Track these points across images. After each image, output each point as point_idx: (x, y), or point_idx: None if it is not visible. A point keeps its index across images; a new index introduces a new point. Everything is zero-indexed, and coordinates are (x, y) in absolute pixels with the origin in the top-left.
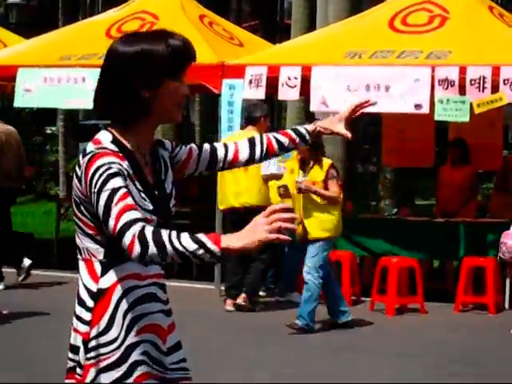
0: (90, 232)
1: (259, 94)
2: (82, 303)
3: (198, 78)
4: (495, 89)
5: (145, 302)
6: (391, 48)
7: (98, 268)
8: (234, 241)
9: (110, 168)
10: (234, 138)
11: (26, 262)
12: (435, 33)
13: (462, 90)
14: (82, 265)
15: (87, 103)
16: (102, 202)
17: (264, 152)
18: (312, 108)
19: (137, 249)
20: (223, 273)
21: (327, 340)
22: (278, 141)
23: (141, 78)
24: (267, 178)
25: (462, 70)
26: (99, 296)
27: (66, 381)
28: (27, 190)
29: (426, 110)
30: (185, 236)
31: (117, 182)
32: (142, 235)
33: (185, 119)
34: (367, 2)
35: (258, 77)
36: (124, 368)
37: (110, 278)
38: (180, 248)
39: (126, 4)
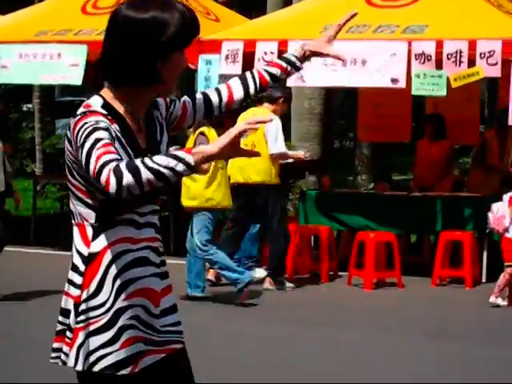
0: (82, 196)
1: (236, 69)
2: (74, 268)
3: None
4: (472, 63)
5: (136, 266)
6: (368, 22)
7: (89, 232)
8: (206, 146)
9: (96, 123)
10: (247, 115)
11: None
12: (412, 7)
13: (439, 65)
14: (75, 230)
15: (63, 78)
16: (84, 151)
17: (258, 86)
18: (288, 83)
19: (112, 181)
20: None
21: (305, 315)
22: (269, 73)
23: (156, 47)
24: (276, 157)
25: (439, 45)
26: (90, 260)
27: (55, 344)
28: None
29: (402, 84)
30: (156, 156)
31: (101, 133)
32: (116, 168)
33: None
34: None
35: (235, 52)
36: (112, 332)
37: (101, 242)
38: (152, 165)
39: None
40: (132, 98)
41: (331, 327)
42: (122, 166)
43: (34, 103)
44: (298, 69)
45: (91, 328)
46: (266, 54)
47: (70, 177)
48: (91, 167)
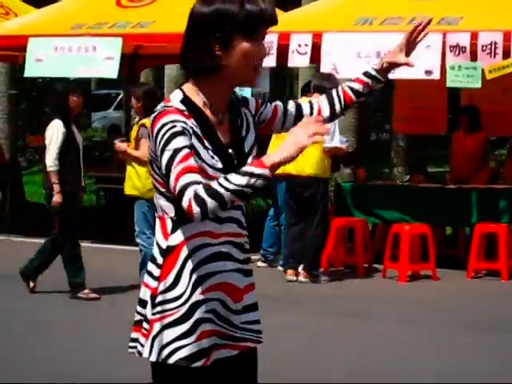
0: (162, 189)
1: (270, 61)
2: (153, 260)
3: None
4: (507, 54)
5: (215, 260)
6: (402, 14)
7: (169, 225)
8: (277, 156)
9: (173, 126)
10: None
11: None
12: None
13: (474, 56)
14: (157, 222)
15: (98, 72)
16: (164, 162)
17: (343, 104)
18: None
19: (196, 211)
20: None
21: (341, 307)
22: (352, 89)
23: (214, 35)
24: (329, 151)
25: (474, 36)
26: (168, 252)
27: (133, 334)
28: (39, 159)
29: (436, 75)
30: (231, 176)
31: (179, 141)
32: (196, 196)
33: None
34: None
35: (269, 44)
36: (188, 325)
37: (180, 235)
38: (233, 187)
39: None
40: (209, 90)
41: (367, 319)
42: (202, 192)
43: None
44: (379, 82)
45: (167, 320)
46: (300, 46)
47: (151, 171)
48: (171, 184)
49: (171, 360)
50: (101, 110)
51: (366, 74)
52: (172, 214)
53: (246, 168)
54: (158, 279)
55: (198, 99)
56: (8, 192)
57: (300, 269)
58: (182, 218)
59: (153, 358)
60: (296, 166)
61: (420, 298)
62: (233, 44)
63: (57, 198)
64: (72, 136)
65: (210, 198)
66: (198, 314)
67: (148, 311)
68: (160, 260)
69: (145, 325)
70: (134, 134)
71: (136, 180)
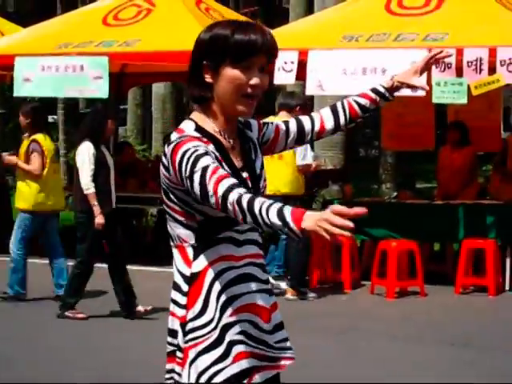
0: (181, 218)
1: None
2: (177, 288)
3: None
4: (492, 70)
5: (239, 282)
6: (388, 31)
7: (190, 253)
8: (313, 225)
9: (196, 150)
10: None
11: None
12: (432, 15)
13: (459, 72)
14: (175, 252)
15: (89, 92)
16: (196, 184)
17: (348, 118)
18: (307, 92)
19: (239, 215)
20: None
21: (329, 323)
22: (359, 104)
23: (205, 61)
24: (302, 169)
25: (459, 52)
26: (193, 280)
27: (167, 365)
28: None
29: (422, 92)
30: (272, 212)
31: (205, 160)
32: (239, 203)
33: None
34: None
35: None
36: (221, 349)
37: (203, 261)
38: (269, 224)
39: None
40: (216, 117)
41: (355, 336)
42: (244, 203)
43: (58, 115)
44: (387, 99)
45: (201, 347)
46: (285, 63)
47: (167, 200)
48: (212, 200)
49: None
50: None
51: (373, 90)
52: (192, 241)
53: (286, 212)
54: (185, 307)
55: (209, 127)
56: None
57: (285, 286)
58: (203, 244)
59: None
60: (271, 185)
61: (408, 315)
62: (221, 71)
63: (99, 220)
64: (103, 158)
65: (250, 215)
66: (229, 337)
67: (180, 340)
68: (185, 288)
69: (178, 354)
70: (23, 149)
71: (27, 194)
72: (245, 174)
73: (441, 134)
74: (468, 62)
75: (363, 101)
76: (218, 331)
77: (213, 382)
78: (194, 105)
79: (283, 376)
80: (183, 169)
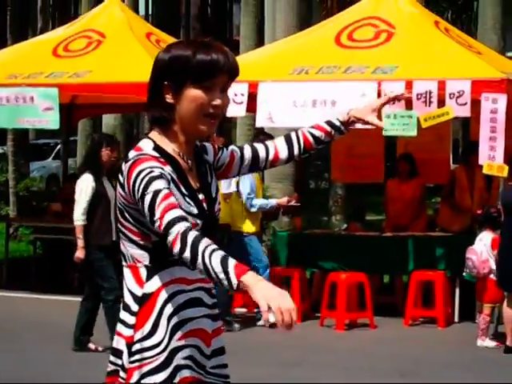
0: (136, 238)
1: None
2: (126, 308)
3: (145, 95)
4: (441, 103)
5: (190, 306)
6: (338, 63)
7: (143, 273)
8: (255, 284)
9: (151, 172)
10: None
11: None
12: (381, 48)
13: (409, 105)
14: (126, 271)
15: (40, 123)
16: (146, 205)
17: (302, 149)
18: (258, 124)
19: (177, 247)
20: None
21: (277, 356)
22: (313, 136)
23: (166, 82)
24: (226, 197)
25: (409, 85)
26: (144, 300)
27: None
28: None
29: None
30: (216, 256)
31: (159, 184)
32: (184, 236)
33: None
34: (316, 18)
35: None
36: (167, 372)
37: (156, 282)
38: (207, 265)
39: (73, 22)
40: (175, 138)
41: (304, 368)
42: (190, 239)
43: (7, 145)
44: (341, 133)
45: (146, 368)
46: (236, 95)
47: (122, 219)
48: (156, 224)
49: None
50: (39, 159)
51: (328, 123)
52: (146, 262)
53: (230, 262)
54: (133, 327)
55: (168, 147)
56: None
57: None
58: (157, 265)
59: None
60: None
61: (357, 347)
62: (183, 91)
63: (79, 254)
64: (102, 190)
65: (190, 251)
66: (176, 361)
67: (125, 360)
68: (135, 308)
69: (122, 374)
70: None
71: None
72: (201, 196)
73: (390, 167)
74: (417, 95)
75: (318, 133)
76: (165, 354)
77: None
78: (153, 126)
79: None
80: (136, 188)
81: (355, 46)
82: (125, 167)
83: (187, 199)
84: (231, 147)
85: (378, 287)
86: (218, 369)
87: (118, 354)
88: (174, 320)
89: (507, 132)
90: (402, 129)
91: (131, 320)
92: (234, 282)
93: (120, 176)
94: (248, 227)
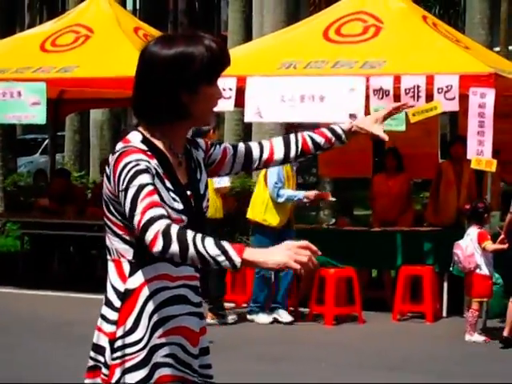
0: (120, 232)
1: None
2: (108, 303)
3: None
4: (430, 98)
5: (173, 303)
6: (326, 58)
7: (126, 268)
8: (256, 255)
9: (137, 165)
10: None
11: None
12: (369, 43)
13: (397, 99)
14: (110, 265)
15: (27, 118)
16: (128, 198)
17: (299, 152)
18: (246, 119)
19: (159, 244)
20: None
21: (266, 351)
22: (313, 141)
23: (180, 82)
24: (219, 191)
25: (397, 80)
26: (126, 296)
27: (87, 380)
28: None
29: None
30: (209, 240)
31: (144, 178)
32: (166, 232)
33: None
34: (304, 13)
35: None
36: (146, 370)
37: (138, 278)
38: (202, 251)
39: (60, 17)
40: (168, 132)
41: (293, 363)
42: (173, 233)
43: None
44: (342, 142)
45: (128, 364)
46: (224, 90)
47: (107, 212)
48: (136, 219)
49: None
50: (27, 154)
51: (330, 130)
52: (130, 257)
53: (225, 243)
54: (115, 323)
55: (157, 140)
56: None
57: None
58: (141, 261)
59: None
60: None
61: (346, 341)
62: (198, 89)
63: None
64: None
65: (178, 243)
66: (155, 359)
67: (107, 357)
68: (117, 304)
69: (104, 370)
70: None
71: None
72: (189, 192)
73: (378, 162)
74: (406, 90)
75: (319, 138)
76: (145, 351)
77: None
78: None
79: None
80: (121, 181)
81: (343, 41)
82: (111, 159)
83: (172, 194)
84: (224, 144)
85: (367, 282)
86: (204, 369)
87: (99, 350)
88: (156, 317)
89: (495, 126)
90: (390, 124)
91: (113, 316)
92: (237, 260)
93: (107, 168)
94: (275, 219)
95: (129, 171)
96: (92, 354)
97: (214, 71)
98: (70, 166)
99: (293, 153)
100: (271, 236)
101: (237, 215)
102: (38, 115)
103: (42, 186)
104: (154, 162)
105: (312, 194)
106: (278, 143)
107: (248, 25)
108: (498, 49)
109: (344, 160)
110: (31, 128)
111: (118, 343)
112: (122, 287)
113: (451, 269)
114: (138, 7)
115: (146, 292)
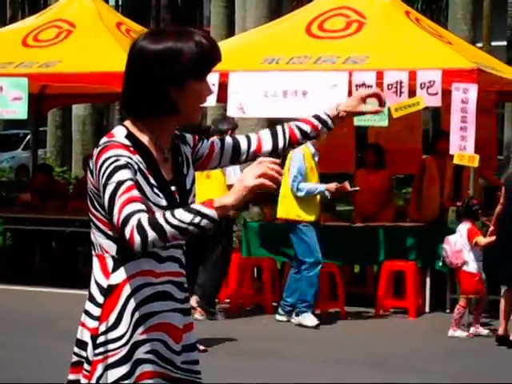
0: (103, 227)
1: None
2: (91, 299)
3: (115, 85)
4: (412, 93)
5: (156, 300)
6: (308, 53)
7: (110, 264)
8: (225, 199)
9: (117, 160)
10: None
11: None
12: (352, 38)
13: None
14: (95, 260)
15: (8, 113)
16: (106, 196)
17: (287, 142)
18: (229, 113)
19: (137, 240)
20: None
21: (249, 346)
22: (300, 129)
23: (169, 77)
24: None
25: (379, 75)
26: (109, 292)
27: (70, 375)
28: None
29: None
30: (179, 211)
31: (122, 174)
32: (139, 226)
33: (105, 127)
34: (287, 8)
35: None
36: (128, 366)
37: (121, 274)
38: (177, 223)
39: (42, 12)
40: (155, 128)
41: (274, 359)
42: (145, 222)
43: None
44: (329, 128)
45: (110, 361)
46: None
47: (91, 208)
48: (114, 217)
49: None
50: (9, 150)
51: (316, 117)
52: (113, 253)
53: (193, 206)
54: (98, 319)
55: (143, 136)
56: None
57: (195, 304)
58: (124, 257)
59: None
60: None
61: (328, 337)
62: (187, 84)
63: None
64: None
65: (152, 229)
66: (138, 355)
67: (89, 352)
68: (100, 299)
69: (86, 366)
70: None
71: None
72: (173, 188)
73: (361, 157)
74: (388, 85)
75: (305, 126)
76: (127, 348)
77: None
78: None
79: None
80: (101, 175)
81: (326, 36)
82: (94, 153)
83: (156, 190)
84: (212, 138)
85: (349, 277)
86: (189, 365)
87: (82, 345)
88: (139, 313)
89: (477, 122)
90: (373, 119)
91: (96, 312)
92: (212, 213)
93: (90, 161)
94: (309, 214)
95: (108, 167)
96: (76, 349)
97: (203, 67)
98: (52, 162)
99: (281, 143)
100: (309, 231)
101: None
102: (19, 110)
103: (24, 181)
104: (136, 158)
105: (333, 186)
106: (265, 135)
107: (231, 20)
108: (480, 44)
109: (327, 155)
110: (13, 123)
111: (101, 339)
112: (105, 283)
113: (440, 264)
114: (120, 2)
115: (128, 288)
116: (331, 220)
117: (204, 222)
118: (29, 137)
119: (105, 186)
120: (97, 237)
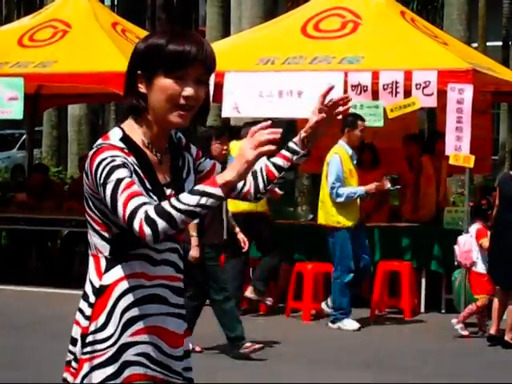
0: (98, 228)
1: None
2: (85, 298)
3: (111, 85)
4: (408, 93)
5: (148, 302)
6: (304, 54)
7: (103, 264)
8: (227, 174)
9: (113, 160)
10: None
11: None
12: (348, 38)
13: (375, 95)
14: (90, 260)
15: (4, 113)
16: (108, 194)
17: (266, 181)
18: (224, 114)
19: (147, 232)
20: None
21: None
22: (275, 165)
23: (139, 70)
24: None
25: (375, 75)
26: (101, 292)
27: (64, 373)
28: None
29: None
30: (183, 195)
31: (121, 172)
32: (147, 217)
33: (101, 127)
34: (282, 9)
35: None
36: (114, 367)
37: (113, 275)
38: (184, 207)
39: (38, 12)
40: (147, 129)
41: (269, 359)
42: (152, 213)
43: None
44: (303, 155)
45: (96, 361)
46: None
47: (87, 208)
48: (120, 214)
49: None
50: (5, 150)
51: (288, 148)
52: (106, 253)
53: (197, 187)
54: (89, 318)
55: (138, 138)
56: None
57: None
58: (117, 258)
59: None
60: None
61: (323, 337)
62: (154, 80)
63: (194, 253)
64: None
65: (160, 218)
66: (125, 357)
67: (78, 350)
68: (92, 299)
69: (73, 364)
70: None
71: None
72: (169, 191)
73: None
74: (384, 85)
75: (279, 161)
76: (114, 349)
77: None
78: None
79: None
80: (98, 176)
81: (321, 37)
82: (89, 154)
83: (150, 194)
84: (214, 161)
85: None
86: (184, 372)
87: (74, 342)
88: (128, 315)
89: (472, 122)
90: (369, 119)
91: (88, 311)
92: (217, 191)
93: (86, 163)
94: (348, 220)
95: (105, 167)
96: (70, 347)
97: (171, 65)
98: (47, 161)
99: (261, 185)
100: (349, 237)
101: None
102: (15, 110)
103: (20, 181)
104: (130, 159)
105: (372, 187)
106: (249, 179)
107: (226, 20)
108: (475, 45)
109: (322, 155)
110: (9, 123)
111: (89, 338)
112: (97, 283)
113: (455, 263)
114: (116, 2)
115: (119, 289)
116: None
117: (210, 201)
118: (24, 137)
119: (104, 185)
120: (92, 237)
